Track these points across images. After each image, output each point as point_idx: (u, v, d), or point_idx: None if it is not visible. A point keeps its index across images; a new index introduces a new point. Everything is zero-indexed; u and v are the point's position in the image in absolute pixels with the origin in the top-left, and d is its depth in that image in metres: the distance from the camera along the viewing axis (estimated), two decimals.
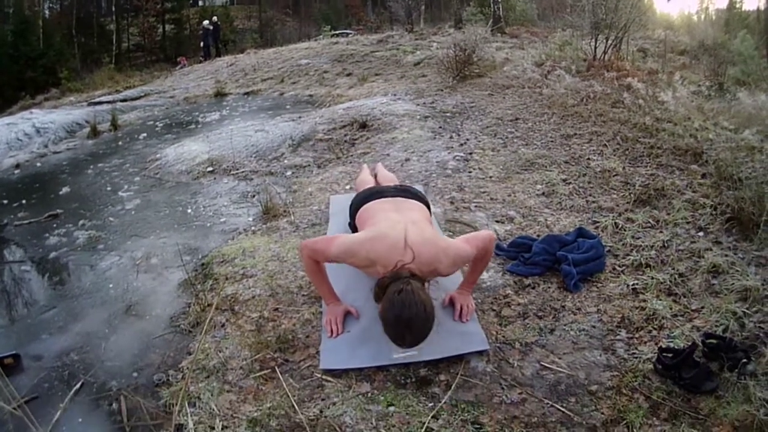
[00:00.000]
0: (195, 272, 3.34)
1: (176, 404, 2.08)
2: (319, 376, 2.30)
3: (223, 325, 2.70)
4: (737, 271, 2.78)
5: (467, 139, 5.64)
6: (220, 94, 11.71)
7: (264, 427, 2.02)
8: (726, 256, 2.95)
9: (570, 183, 4.28)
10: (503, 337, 2.49)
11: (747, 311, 2.47)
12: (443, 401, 2.11)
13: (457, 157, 5.03)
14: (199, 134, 7.44)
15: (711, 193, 3.73)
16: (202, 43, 22.84)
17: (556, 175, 4.40)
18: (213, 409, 2.10)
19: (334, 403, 2.13)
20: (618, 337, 2.46)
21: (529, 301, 2.77)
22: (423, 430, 1.97)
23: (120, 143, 7.85)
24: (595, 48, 7.89)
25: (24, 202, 5.39)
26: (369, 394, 2.18)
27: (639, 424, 1.93)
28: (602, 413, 2.01)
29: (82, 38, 33.13)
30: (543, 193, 4.15)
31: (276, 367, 2.34)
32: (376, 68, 11.51)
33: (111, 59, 28.91)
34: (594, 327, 2.53)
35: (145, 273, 3.47)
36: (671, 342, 2.35)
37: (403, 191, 3.03)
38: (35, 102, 16.70)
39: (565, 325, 2.56)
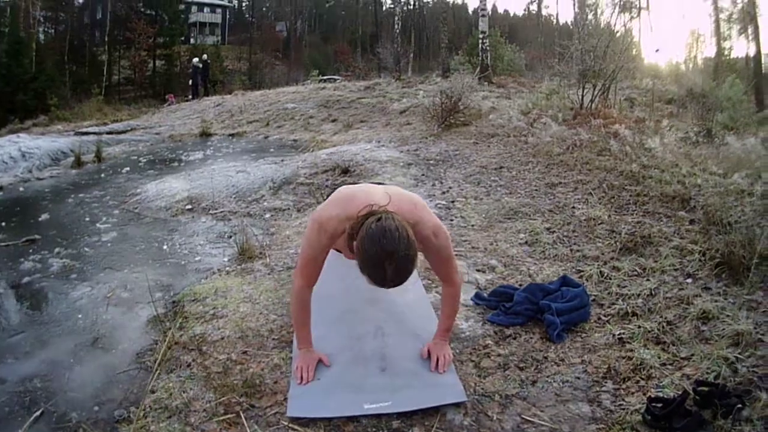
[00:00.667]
0: (165, 309, 3.22)
1: None
2: (285, 423, 2.15)
3: (189, 365, 2.56)
4: (728, 316, 2.71)
5: (450, 187, 5.62)
6: (205, 134, 11.76)
7: None
8: (716, 301, 2.87)
9: (554, 232, 4.22)
10: (482, 389, 2.36)
11: (739, 356, 2.38)
12: None
13: (438, 205, 4.99)
14: (181, 172, 7.41)
15: (699, 238, 3.66)
16: (190, 81, 23.00)
17: (539, 224, 4.35)
18: None
19: None
20: (604, 388, 2.34)
21: (510, 351, 2.66)
22: None
23: (102, 175, 7.83)
24: (582, 96, 7.95)
25: (3, 224, 5.35)
26: None
27: None
28: None
29: (74, 66, 33.27)
30: (526, 242, 4.08)
31: (241, 412, 2.20)
32: (362, 115, 11.57)
33: (101, 90, 28.88)
34: (578, 378, 2.42)
35: (115, 306, 3.36)
36: (660, 391, 2.24)
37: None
38: (24, 126, 16.78)
39: (547, 376, 2.44)
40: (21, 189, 7.32)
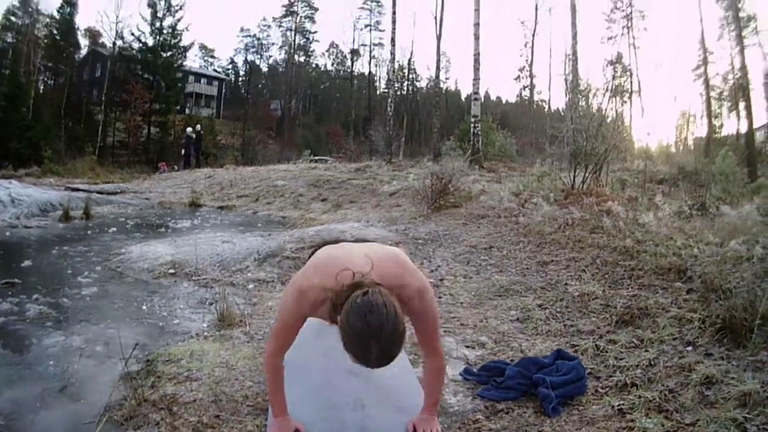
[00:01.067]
0: (138, 367, 3.05)
1: None
2: None
3: (157, 424, 2.38)
4: (732, 378, 2.59)
5: (438, 266, 5.55)
6: (194, 204, 11.72)
7: None
8: (719, 365, 2.76)
9: (546, 308, 4.12)
10: None
11: (748, 416, 2.26)
12: None
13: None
14: (167, 237, 7.30)
15: (698, 306, 3.54)
16: (183, 151, 23.12)
17: (531, 301, 4.26)
18: None
19: None
20: None
21: (502, 426, 2.50)
22: None
23: (89, 232, 7.76)
24: (574, 177, 8.00)
25: None
26: None
27: None
28: None
29: (70, 122, 33.35)
30: (517, 319, 3.99)
31: None
32: (352, 195, 11.54)
33: (95, 150, 29.01)
34: None
35: (87, 358, 3.21)
36: None
37: (362, 241, 2.82)
38: (16, 174, 16.70)
39: None
40: (7, 234, 7.34)
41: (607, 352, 3.23)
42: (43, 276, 5.07)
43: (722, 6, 31.08)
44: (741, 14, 30.20)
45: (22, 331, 3.59)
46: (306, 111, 54.55)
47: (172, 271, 5.37)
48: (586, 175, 8.14)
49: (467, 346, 3.50)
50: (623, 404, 2.59)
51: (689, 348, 3.10)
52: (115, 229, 8.16)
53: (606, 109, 9.30)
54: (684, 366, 2.86)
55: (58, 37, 35.10)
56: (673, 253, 4.65)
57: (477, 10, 17.92)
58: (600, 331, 3.57)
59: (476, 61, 17.90)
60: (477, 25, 18.00)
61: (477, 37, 17.99)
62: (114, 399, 2.66)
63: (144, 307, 4.27)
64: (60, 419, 2.48)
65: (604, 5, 41.62)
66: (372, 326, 1.78)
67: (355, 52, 54.29)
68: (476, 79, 17.84)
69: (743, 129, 24.68)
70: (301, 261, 5.63)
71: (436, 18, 25.70)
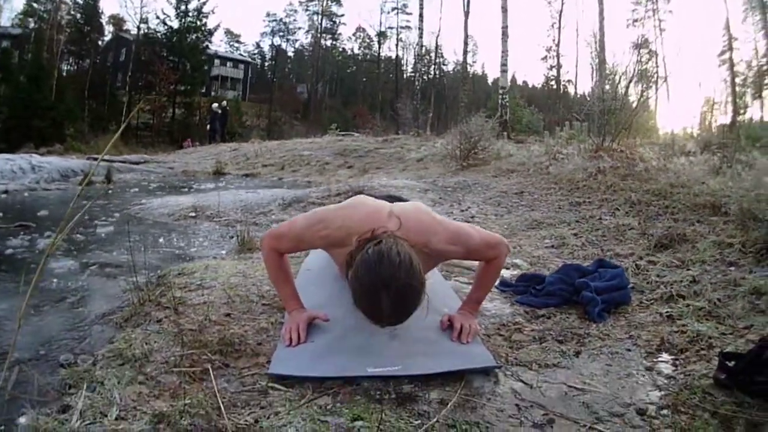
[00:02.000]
0: (147, 281, 2.83)
1: (72, 385, 1.62)
2: (264, 384, 1.73)
3: (159, 321, 2.17)
4: None
5: (468, 207, 5.34)
6: (219, 173, 11.60)
7: (171, 425, 1.46)
8: (766, 279, 2.54)
9: (581, 237, 3.92)
10: (515, 359, 1.95)
11: None
12: (436, 419, 1.54)
13: (457, 219, 4.65)
14: (189, 194, 7.18)
15: (737, 233, 3.35)
16: (208, 126, 23.15)
17: (565, 231, 4.07)
18: (114, 397, 1.56)
19: (277, 413, 1.55)
20: (660, 358, 1.96)
21: (545, 328, 2.27)
22: None
23: (110, 192, 7.65)
24: (604, 132, 7.68)
25: (1, 215, 5.19)
26: (328, 407, 1.60)
27: None
28: None
29: (93, 104, 33.65)
30: (552, 246, 3.78)
31: (210, 369, 1.79)
32: (378, 162, 11.35)
33: (119, 128, 29.15)
34: (629, 350, 2.03)
35: (95, 276, 3.05)
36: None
37: (392, 197, 2.57)
38: (38, 152, 16.57)
39: (592, 349, 2.05)
40: (26, 194, 7.26)
41: (648, 270, 3.02)
42: (58, 221, 4.85)
43: None
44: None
45: (29, 259, 3.45)
46: (333, 94, 54.32)
47: (192, 214, 5.24)
48: (616, 132, 7.82)
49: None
50: (672, 312, 2.37)
51: (732, 268, 2.90)
52: (136, 189, 8.11)
53: (632, 93, 8.99)
54: (729, 281, 2.65)
55: (81, 22, 35.33)
56: (707, 193, 4.45)
57: None
58: (639, 254, 3.35)
59: (504, 33, 17.63)
60: None
61: (505, 10, 17.71)
62: (117, 306, 2.49)
63: (161, 240, 4.11)
64: (52, 323, 2.30)
65: None
66: (382, 276, 1.61)
67: (382, 35, 53.78)
68: (504, 51, 17.53)
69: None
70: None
71: None
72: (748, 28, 32.44)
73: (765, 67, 29.78)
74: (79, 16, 35.66)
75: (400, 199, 2.54)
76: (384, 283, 1.60)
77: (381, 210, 1.91)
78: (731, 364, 1.70)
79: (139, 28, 36.31)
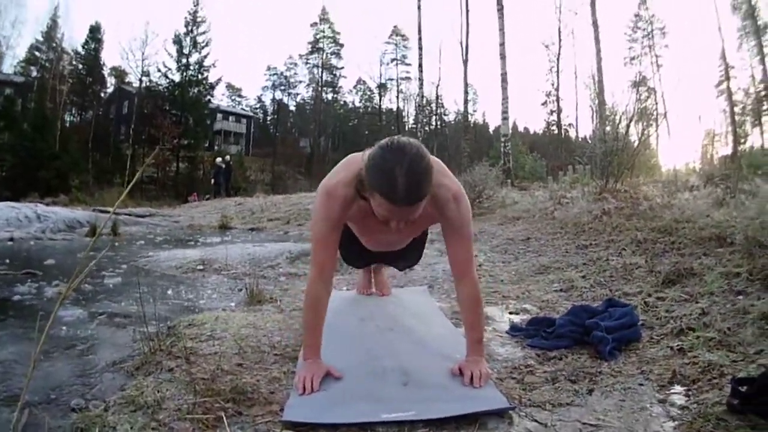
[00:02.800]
0: (158, 331, 2.83)
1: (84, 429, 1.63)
2: (278, 431, 1.72)
3: (171, 370, 2.17)
4: None
5: (475, 255, 5.28)
6: (224, 227, 11.64)
7: None
8: None
9: (589, 279, 3.90)
10: (529, 400, 1.95)
11: None
12: None
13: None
14: (196, 248, 7.17)
15: (743, 262, 3.35)
16: (213, 180, 23.39)
17: (573, 274, 4.05)
18: None
19: None
20: (673, 390, 1.96)
21: (557, 369, 2.26)
22: None
23: (116, 245, 7.64)
24: (608, 174, 7.74)
25: (8, 261, 5.20)
26: None
27: None
28: None
29: (97, 155, 33.99)
30: (561, 289, 3.77)
31: (224, 416, 1.78)
32: None
33: (123, 182, 29.43)
34: (641, 385, 2.02)
35: (104, 325, 3.03)
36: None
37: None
38: (43, 202, 16.66)
39: (605, 386, 2.03)
40: (31, 243, 7.26)
41: (657, 307, 3.02)
42: (65, 270, 4.92)
43: (740, 15, 30.86)
44: (759, 23, 29.96)
45: (38, 307, 3.44)
46: (335, 147, 54.91)
47: (200, 267, 5.22)
48: (619, 171, 7.89)
49: (511, 313, 3.28)
50: (683, 345, 2.37)
51: (740, 297, 2.90)
52: (143, 242, 8.11)
53: (633, 133, 9.17)
54: (738, 309, 2.65)
55: (83, 73, 36.02)
56: (712, 225, 4.48)
57: (501, 30, 18.18)
58: (647, 291, 3.34)
59: (504, 80, 18.04)
60: (502, 45, 18.18)
61: (503, 57, 18.14)
62: (127, 354, 2.48)
63: (169, 292, 4.10)
64: (64, 369, 2.29)
65: (625, 26, 41.45)
66: (395, 153, 1.73)
67: (382, 87, 54.80)
68: (504, 98, 17.90)
69: None
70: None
71: (461, 44, 25.96)
72: (744, 55, 32.89)
73: (763, 93, 30.08)
74: (81, 66, 36.45)
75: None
76: (397, 159, 1.71)
77: None
78: (744, 389, 1.70)
79: (141, 81, 37.13)
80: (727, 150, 27.89)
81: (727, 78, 33.28)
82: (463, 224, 2.08)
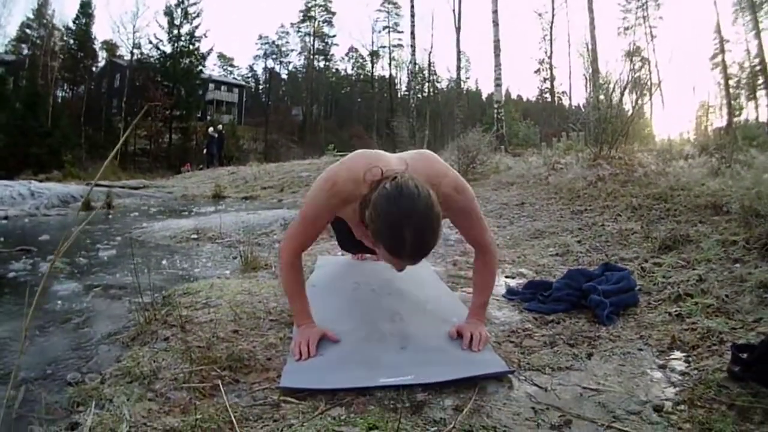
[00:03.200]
0: (152, 300, 2.81)
1: (81, 402, 1.61)
2: (275, 398, 1.71)
3: (166, 339, 2.16)
4: None
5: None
6: (218, 196, 11.58)
7: None
8: None
9: (585, 243, 3.91)
10: (528, 363, 1.94)
11: None
12: (453, 424, 1.52)
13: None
14: (190, 218, 7.15)
15: (740, 231, 3.36)
16: (205, 150, 23.23)
17: (569, 239, 4.06)
18: (123, 414, 1.54)
19: (290, 426, 1.52)
20: (672, 356, 1.96)
21: (555, 333, 2.26)
22: None
23: (110, 217, 7.62)
24: (602, 141, 7.71)
25: (2, 239, 5.16)
26: (342, 417, 1.58)
27: None
28: (679, 428, 1.47)
29: (90, 129, 33.79)
30: (557, 254, 3.77)
31: (220, 384, 1.77)
32: None
33: (116, 156, 29.38)
34: (641, 350, 2.02)
35: (99, 298, 3.01)
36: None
37: None
38: (37, 179, 16.55)
39: (604, 351, 2.03)
40: (26, 221, 7.21)
41: (653, 272, 3.02)
42: (59, 245, 4.89)
43: None
44: None
45: (32, 282, 3.40)
46: (328, 116, 54.66)
47: (194, 236, 5.21)
48: (613, 138, 7.85)
49: (507, 277, 3.27)
50: (681, 311, 2.37)
51: (737, 265, 2.90)
52: (137, 213, 8.09)
53: (627, 102, 9.11)
54: (736, 277, 2.67)
55: (75, 48, 35.61)
56: (707, 194, 4.48)
57: None
58: (644, 257, 3.35)
59: (496, 47, 17.86)
60: (495, 11, 17.98)
61: (496, 24, 17.95)
62: (122, 325, 2.47)
63: (164, 262, 4.08)
64: (58, 343, 2.27)
65: None
66: (403, 208, 1.62)
67: (374, 54, 54.21)
68: (497, 65, 17.72)
69: (763, 117, 24.15)
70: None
71: (454, 11, 25.74)
72: (739, 30, 32.76)
73: (758, 68, 29.97)
74: (72, 42, 36.11)
75: None
76: (405, 215, 1.62)
77: (387, 155, 1.94)
78: (744, 355, 1.70)
79: (132, 54, 36.84)
80: (722, 122, 27.88)
81: (722, 51, 33.14)
82: (470, 209, 2.05)
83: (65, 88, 37.64)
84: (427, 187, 1.70)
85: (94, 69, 38.99)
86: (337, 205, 1.95)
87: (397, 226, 1.63)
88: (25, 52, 34.56)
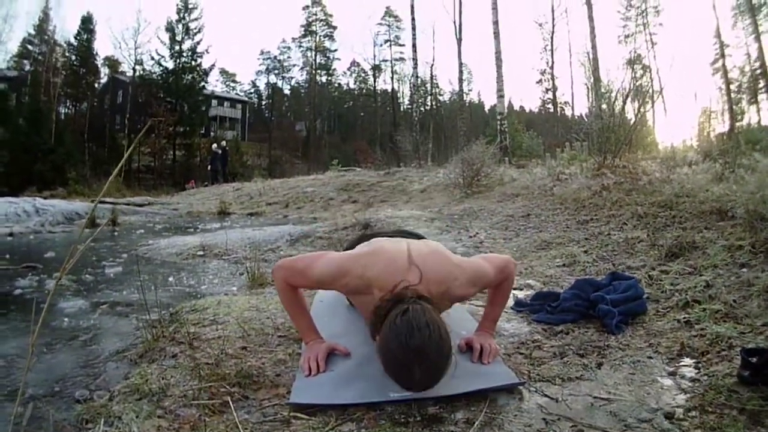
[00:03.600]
0: (160, 318, 2.82)
1: (89, 420, 1.61)
2: (285, 414, 1.70)
3: (174, 356, 2.16)
4: None
5: (476, 233, 5.34)
6: (223, 213, 11.62)
7: None
8: None
9: (591, 253, 3.91)
10: (538, 375, 1.94)
11: None
12: None
13: (466, 245, 4.68)
14: (196, 235, 7.17)
15: (746, 235, 3.35)
16: (209, 166, 23.30)
17: (575, 249, 4.06)
18: (133, 431, 1.55)
19: None
20: (682, 363, 1.96)
21: (564, 343, 2.26)
22: None
23: (116, 234, 7.66)
24: (605, 151, 7.70)
25: (7, 256, 5.18)
26: None
27: None
28: None
29: (94, 147, 33.90)
30: (563, 264, 3.78)
31: (230, 401, 1.76)
32: (382, 195, 11.45)
33: (120, 174, 29.40)
34: (650, 358, 2.02)
35: (106, 315, 3.03)
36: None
37: (402, 232, 2.56)
38: (41, 195, 16.53)
39: (614, 360, 2.03)
40: (31, 237, 7.24)
41: (661, 280, 3.02)
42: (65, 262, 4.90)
43: None
44: (753, 1, 29.73)
45: (39, 299, 3.37)
46: (331, 130, 54.76)
47: (200, 253, 5.24)
48: (617, 147, 7.85)
49: (515, 289, 3.23)
50: (689, 317, 2.37)
51: (744, 269, 2.89)
52: (142, 230, 8.12)
53: (629, 110, 9.12)
54: (743, 282, 2.66)
55: (77, 64, 35.82)
56: (712, 199, 4.47)
57: (494, 8, 17.91)
58: (651, 265, 3.35)
59: (498, 59, 17.86)
60: (496, 23, 18.01)
61: (497, 35, 17.98)
62: (130, 343, 2.48)
63: (171, 279, 4.10)
64: (66, 360, 2.28)
65: (619, 3, 41.10)
66: (413, 349, 1.60)
67: (376, 68, 54.38)
68: (499, 77, 17.73)
69: (765, 120, 24.09)
70: (336, 240, 5.47)
71: (455, 23, 25.83)
72: (739, 33, 32.74)
73: (758, 71, 29.97)
74: (74, 57, 36.23)
75: (413, 234, 2.53)
76: (416, 357, 1.59)
77: (400, 258, 1.90)
78: (754, 360, 1.69)
79: (134, 70, 36.94)
80: (724, 127, 27.83)
81: (722, 56, 33.15)
82: (480, 285, 2.08)
83: (68, 104, 37.77)
84: (437, 319, 1.68)
85: (96, 85, 39.13)
86: (339, 289, 2.02)
87: (405, 365, 1.62)
88: (27, 68, 34.67)
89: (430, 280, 1.83)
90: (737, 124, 25.42)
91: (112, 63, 40.00)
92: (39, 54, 34.80)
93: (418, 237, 2.48)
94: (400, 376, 1.64)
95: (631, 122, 8.76)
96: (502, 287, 2.13)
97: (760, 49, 29.65)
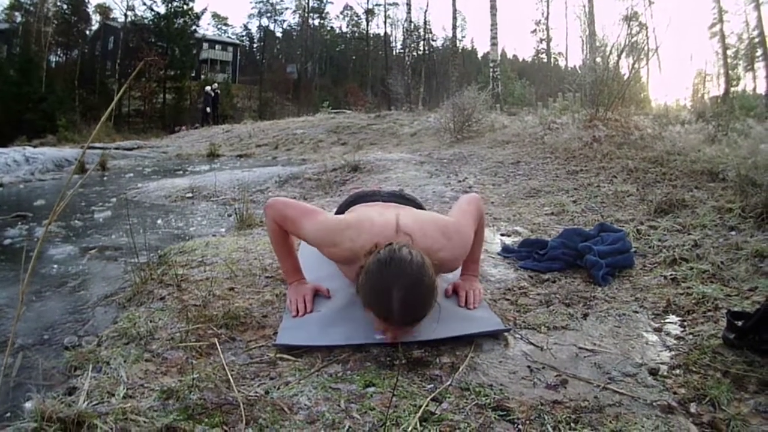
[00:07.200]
0: (149, 260, 2.81)
1: (78, 366, 1.62)
2: (272, 355, 1.72)
3: (162, 298, 2.16)
4: None
5: (465, 178, 5.31)
6: (213, 155, 11.44)
7: (181, 400, 1.43)
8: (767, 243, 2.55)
9: (580, 204, 3.91)
10: (524, 322, 1.96)
11: None
12: (449, 382, 1.53)
13: (455, 189, 4.65)
14: (185, 177, 7.12)
15: (736, 198, 3.36)
16: (200, 107, 23.01)
17: (564, 199, 4.04)
18: (121, 376, 1.55)
19: (287, 383, 1.54)
20: (668, 320, 1.97)
21: (551, 292, 2.27)
22: (419, 414, 1.36)
23: (105, 179, 7.57)
24: (597, 106, 7.61)
25: None
26: (339, 374, 1.60)
27: (726, 399, 1.42)
28: (674, 392, 1.48)
29: (84, 93, 33.50)
30: (552, 213, 3.76)
31: (217, 343, 1.77)
32: (372, 138, 11.33)
33: (110, 118, 29.01)
34: (636, 312, 2.04)
35: (95, 260, 3.01)
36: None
37: (397, 196, 2.49)
38: (31, 144, 16.29)
39: (599, 312, 2.05)
40: (21, 186, 7.14)
41: (649, 235, 3.02)
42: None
43: None
44: None
45: (28, 247, 3.38)
46: (323, 73, 53.85)
47: (189, 195, 5.23)
48: (609, 100, 7.76)
49: (502, 235, 3.27)
50: (676, 275, 2.37)
51: (733, 232, 2.90)
52: (131, 174, 8.04)
53: (623, 65, 8.97)
54: (731, 244, 2.65)
55: (68, 12, 35.09)
56: (704, 160, 4.48)
57: None
58: (640, 219, 3.36)
59: (493, 7, 17.46)
60: None
61: None
62: (118, 287, 2.47)
63: (159, 222, 4.09)
64: (55, 308, 2.28)
65: None
66: (392, 272, 1.60)
67: (369, 12, 53.27)
68: (493, 24, 17.40)
69: (760, 89, 23.91)
70: (324, 182, 5.45)
71: None
72: (738, 1, 32.21)
73: (756, 40, 29.63)
74: (65, 6, 35.58)
75: (404, 198, 2.48)
76: (393, 280, 1.59)
77: (388, 227, 1.87)
78: (740, 323, 1.69)
79: (126, 16, 36.35)
80: (719, 91, 27.59)
81: (721, 21, 32.64)
82: (466, 250, 2.01)
83: (59, 52, 37.13)
84: (422, 255, 1.67)
85: (87, 33, 38.47)
86: (324, 252, 1.95)
87: (383, 292, 1.60)
88: (19, 19, 33.96)
89: (419, 247, 1.79)
90: (732, 89, 25.15)
91: (104, 10, 39.25)
92: (30, 5, 33.97)
93: (414, 201, 2.45)
94: (379, 304, 1.63)
95: (625, 77, 8.65)
96: (479, 227, 2.14)
97: (759, 18, 29.17)
